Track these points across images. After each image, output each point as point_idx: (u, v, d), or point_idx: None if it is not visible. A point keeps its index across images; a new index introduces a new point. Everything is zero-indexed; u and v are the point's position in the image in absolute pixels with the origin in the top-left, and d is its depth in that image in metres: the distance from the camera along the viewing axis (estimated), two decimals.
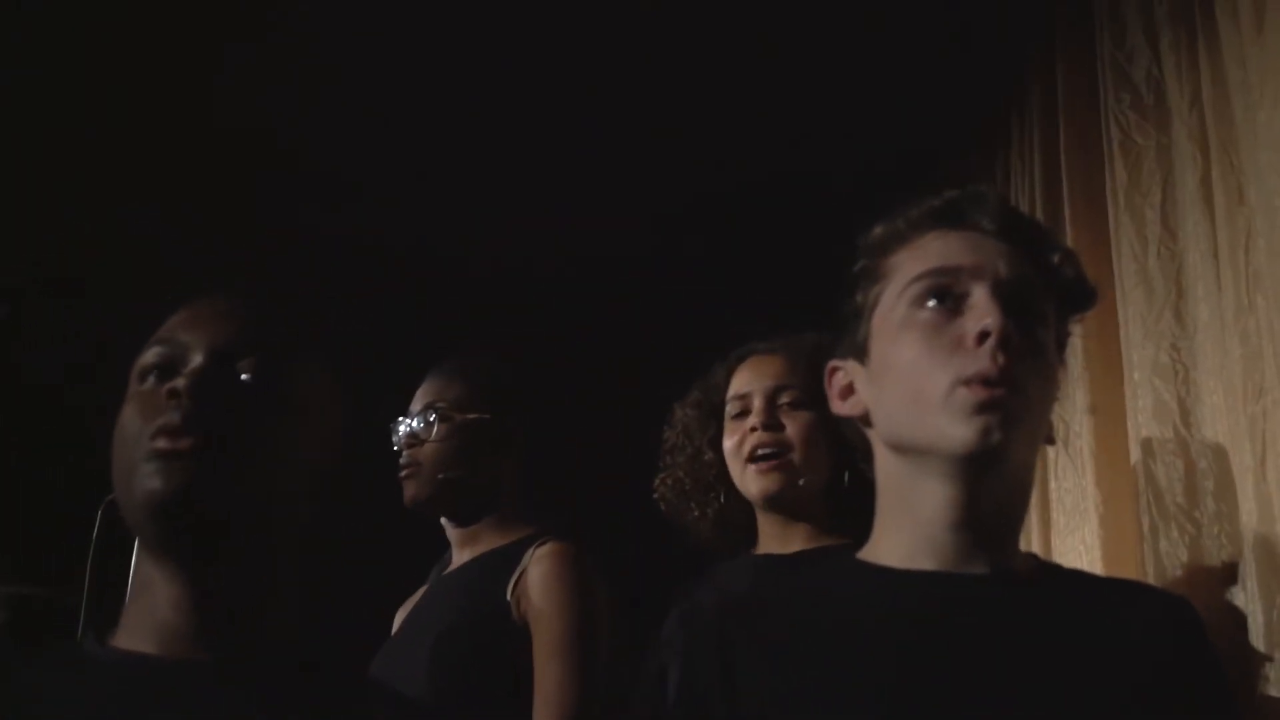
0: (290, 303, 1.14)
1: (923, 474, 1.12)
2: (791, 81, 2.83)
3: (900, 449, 1.15)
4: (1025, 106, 2.62)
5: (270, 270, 3.02)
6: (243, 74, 2.75)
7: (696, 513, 1.92)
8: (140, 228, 3.18)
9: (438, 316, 3.28)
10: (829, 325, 1.28)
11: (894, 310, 1.16)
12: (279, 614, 1.07)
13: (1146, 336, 1.99)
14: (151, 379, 1.05)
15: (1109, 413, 2.07)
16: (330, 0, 2.57)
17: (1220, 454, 1.80)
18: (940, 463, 1.10)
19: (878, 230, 1.22)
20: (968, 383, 1.08)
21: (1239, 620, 1.65)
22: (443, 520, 2.01)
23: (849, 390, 1.21)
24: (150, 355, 1.06)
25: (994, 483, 1.10)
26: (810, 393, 1.78)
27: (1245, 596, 1.66)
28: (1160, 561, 1.84)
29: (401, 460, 1.97)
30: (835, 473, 1.81)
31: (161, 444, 0.99)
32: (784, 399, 1.83)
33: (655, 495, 1.97)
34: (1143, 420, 1.95)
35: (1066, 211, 2.31)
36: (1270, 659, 1.58)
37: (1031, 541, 2.18)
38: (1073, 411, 2.12)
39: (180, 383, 1.02)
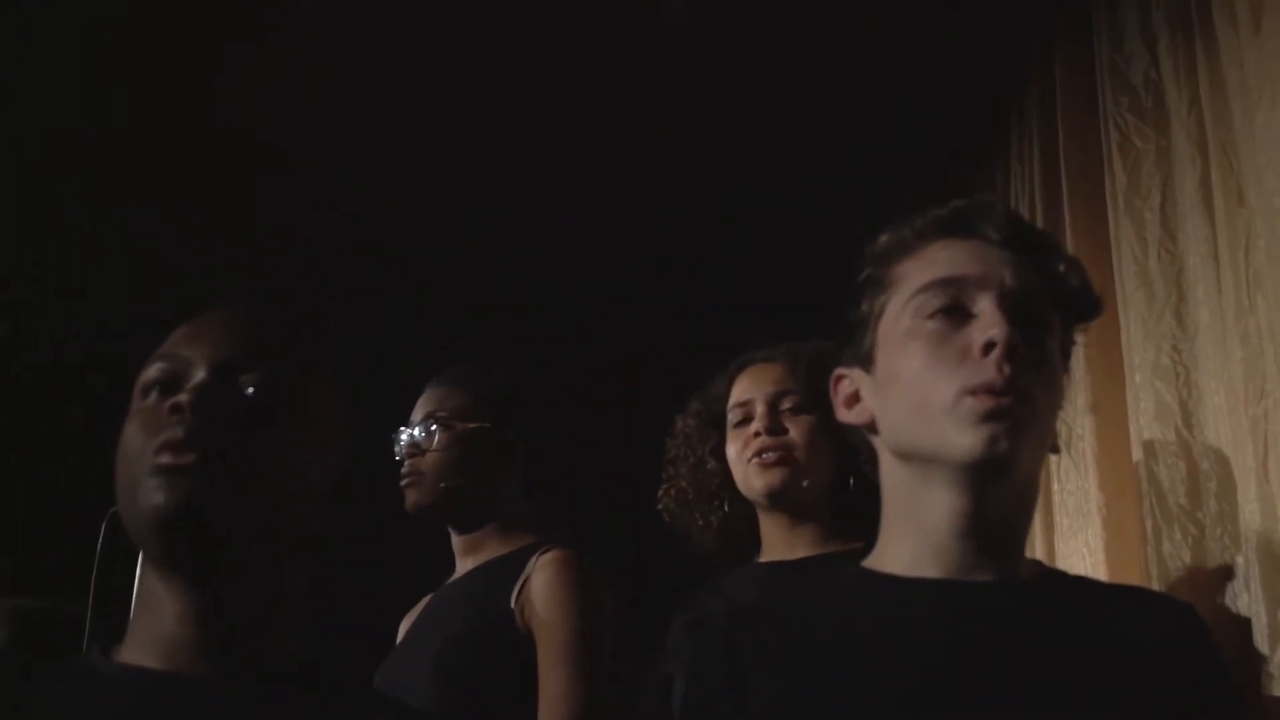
0: (292, 314, 1.14)
1: (929, 482, 1.12)
2: (791, 82, 2.83)
3: (906, 457, 1.15)
4: (1024, 110, 2.62)
5: (270, 271, 3.03)
6: (243, 74, 2.74)
7: (700, 522, 1.92)
8: (140, 229, 3.18)
9: (436, 317, 3.29)
10: (829, 325, 1.29)
11: (900, 319, 1.16)
12: (284, 626, 1.07)
13: (1147, 339, 1.99)
14: (154, 394, 1.05)
15: (1111, 415, 2.07)
16: (330, 0, 2.56)
17: (1222, 455, 1.81)
18: (946, 471, 1.10)
19: (884, 239, 1.22)
20: (974, 392, 1.08)
21: (1243, 622, 1.65)
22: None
23: (855, 398, 1.21)
24: (153, 371, 1.06)
25: (1000, 491, 1.11)
26: (811, 397, 1.79)
27: (1249, 598, 1.66)
28: (1163, 563, 1.84)
29: (403, 470, 1.97)
30: (839, 476, 1.81)
31: (165, 459, 0.99)
32: (786, 404, 1.84)
33: (659, 507, 1.97)
34: (1145, 422, 1.96)
35: (1066, 215, 2.31)
36: (1274, 660, 1.59)
37: (1035, 544, 2.19)
38: (1075, 414, 2.12)
39: (183, 398, 1.02)
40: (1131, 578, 1.90)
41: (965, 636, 1.09)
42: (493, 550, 1.94)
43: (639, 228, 3.30)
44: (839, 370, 1.24)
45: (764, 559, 1.86)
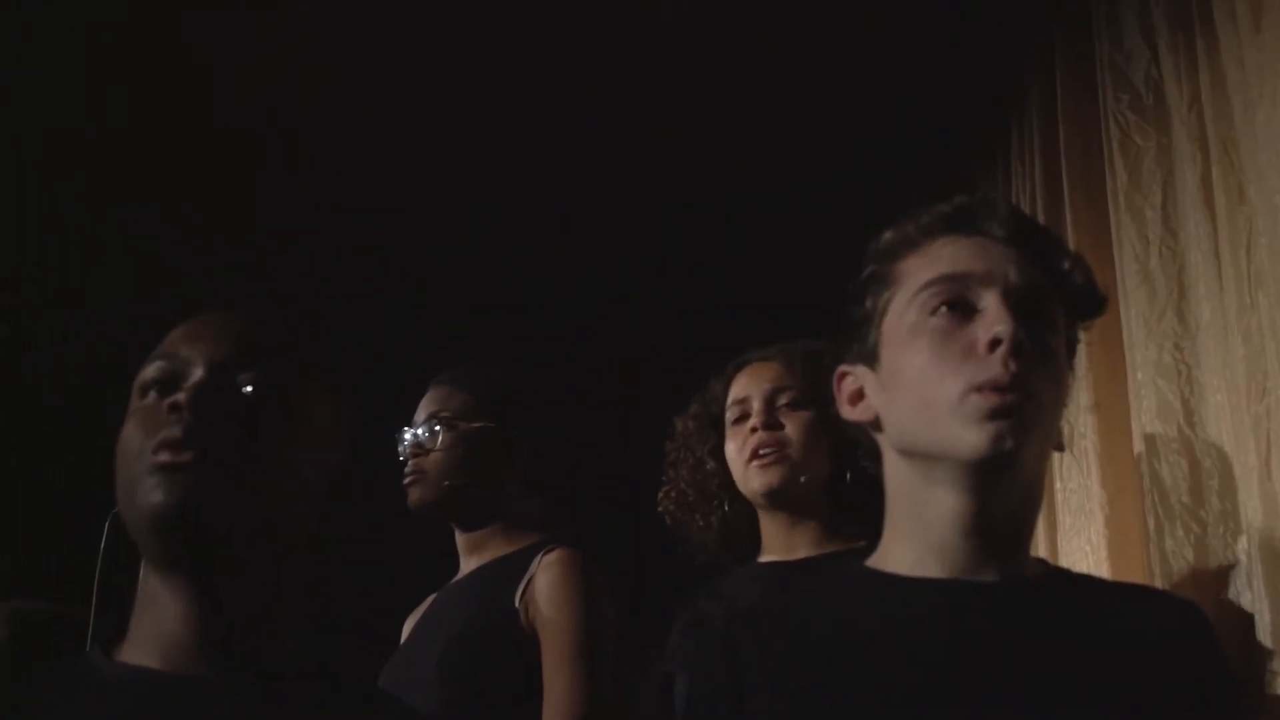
0: (291, 313, 1.14)
1: (933, 480, 1.12)
2: (791, 82, 2.83)
3: (911, 455, 1.14)
4: (1024, 108, 2.62)
5: (270, 271, 3.03)
6: (243, 74, 2.75)
7: (701, 523, 1.93)
8: (140, 229, 3.18)
9: (437, 317, 3.28)
10: (829, 324, 1.28)
11: (905, 316, 1.15)
12: (284, 626, 1.07)
13: (1149, 336, 1.99)
14: (153, 394, 1.05)
15: (1113, 413, 2.07)
16: (330, 0, 2.56)
17: (1224, 453, 1.80)
18: (951, 469, 1.10)
19: (887, 235, 1.21)
20: (980, 389, 1.07)
21: (1245, 619, 1.65)
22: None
23: (858, 395, 1.21)
24: (151, 370, 1.06)
25: (1005, 489, 1.10)
26: (808, 393, 1.80)
27: (1251, 595, 1.66)
28: (1166, 561, 1.84)
29: (407, 469, 1.98)
30: (837, 471, 1.82)
31: (163, 458, 0.99)
32: (782, 400, 1.85)
33: (659, 509, 1.98)
34: (1146, 420, 1.95)
35: (1067, 212, 2.31)
36: (1277, 657, 1.58)
37: (1038, 543, 2.18)
38: (1077, 412, 2.12)
39: (181, 397, 1.02)
40: (1134, 576, 1.90)
41: (968, 636, 1.08)
42: (497, 549, 1.95)
43: (639, 227, 3.30)
44: (842, 367, 1.23)
45: (764, 559, 1.87)
